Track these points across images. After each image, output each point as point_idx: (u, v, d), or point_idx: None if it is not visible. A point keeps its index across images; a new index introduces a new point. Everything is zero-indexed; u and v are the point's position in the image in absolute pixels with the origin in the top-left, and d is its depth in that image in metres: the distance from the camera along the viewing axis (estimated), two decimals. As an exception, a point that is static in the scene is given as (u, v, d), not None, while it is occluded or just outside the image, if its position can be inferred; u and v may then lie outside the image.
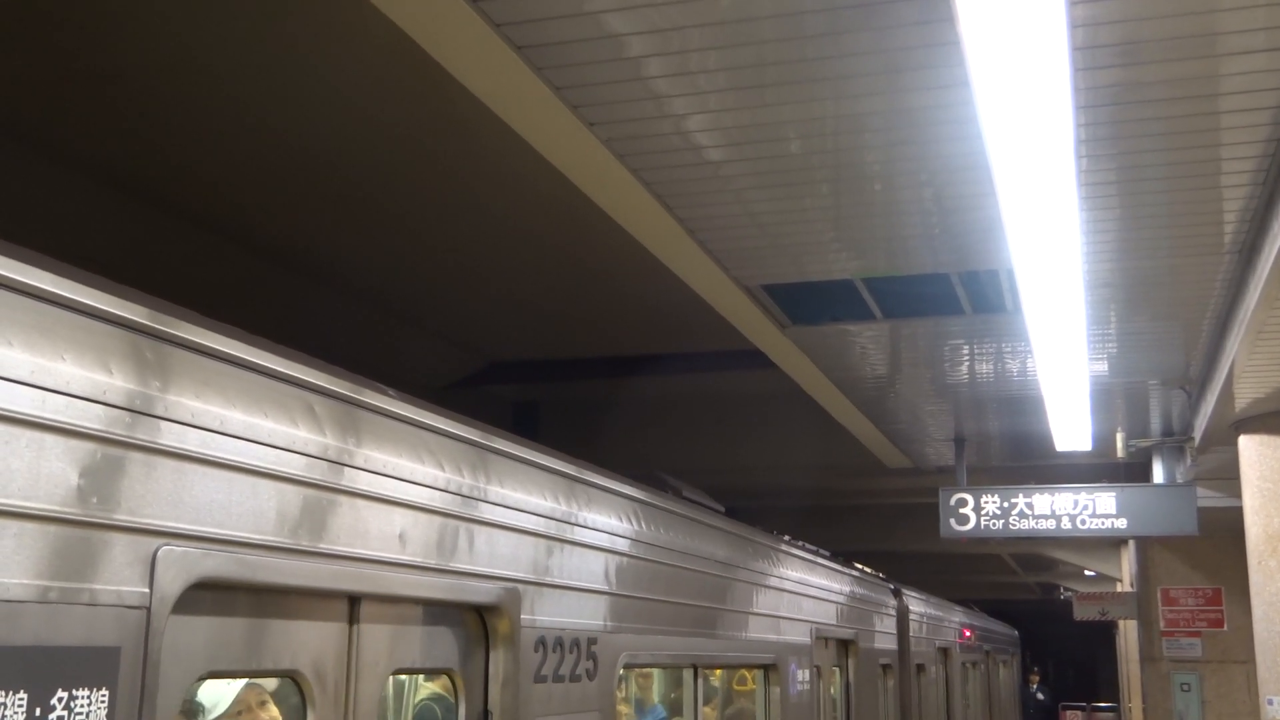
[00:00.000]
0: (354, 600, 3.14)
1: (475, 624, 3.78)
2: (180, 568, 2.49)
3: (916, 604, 12.92)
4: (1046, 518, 11.34)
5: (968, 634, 17.07)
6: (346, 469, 3.07)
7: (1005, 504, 11.44)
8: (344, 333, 11.07)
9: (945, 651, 14.99)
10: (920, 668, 12.93)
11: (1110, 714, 33.38)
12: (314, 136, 7.61)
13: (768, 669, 7.29)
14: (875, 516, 20.87)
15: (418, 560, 3.36)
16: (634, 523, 5.11)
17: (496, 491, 3.88)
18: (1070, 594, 19.59)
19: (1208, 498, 11.56)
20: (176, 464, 2.52)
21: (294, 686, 3.02)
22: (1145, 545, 14.94)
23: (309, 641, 2.96)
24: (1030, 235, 5.63)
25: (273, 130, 7.55)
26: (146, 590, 2.40)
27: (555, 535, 4.28)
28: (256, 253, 9.65)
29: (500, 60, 4.38)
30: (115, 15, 6.28)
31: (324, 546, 2.95)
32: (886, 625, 11.28)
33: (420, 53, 4.50)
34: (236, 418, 2.70)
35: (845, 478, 15.46)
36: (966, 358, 8.91)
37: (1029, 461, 13.61)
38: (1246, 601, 9.54)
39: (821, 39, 4.24)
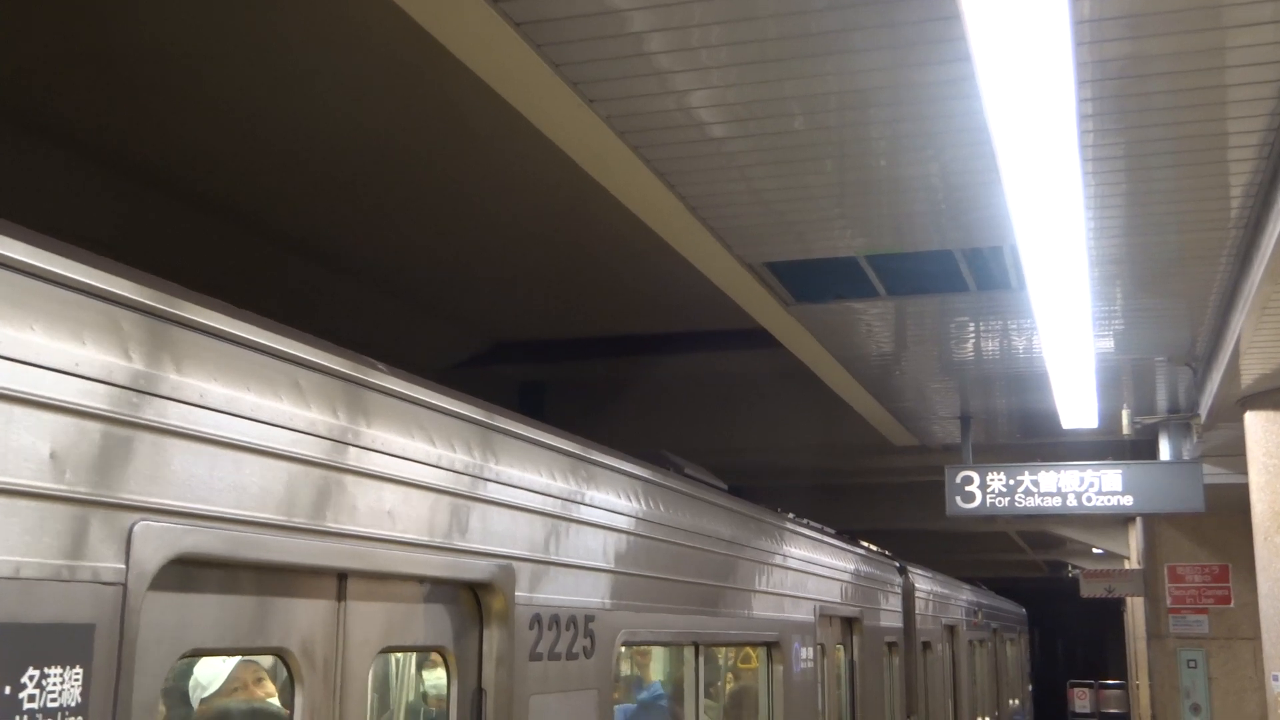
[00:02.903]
0: (342, 577, 3.10)
1: (469, 602, 3.74)
2: (159, 543, 2.44)
3: (922, 581, 12.84)
4: (1052, 495, 11.34)
5: (974, 612, 17.06)
6: (333, 444, 3.02)
7: (1011, 481, 11.44)
8: (351, 315, 11.08)
9: (952, 629, 14.94)
10: (926, 645, 12.84)
11: (1118, 691, 33.45)
12: (319, 120, 7.60)
13: (770, 647, 7.22)
14: (882, 495, 20.90)
15: (408, 537, 3.31)
16: (633, 499, 5.04)
17: (490, 468, 3.82)
18: (1078, 571, 19.61)
19: (1214, 474, 11.55)
20: (155, 438, 2.46)
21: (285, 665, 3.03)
22: (1152, 522, 14.95)
23: (296, 619, 2.92)
24: (1034, 211, 5.61)
25: (278, 114, 7.54)
26: (122, 566, 2.35)
27: (551, 512, 4.22)
28: (263, 236, 9.65)
29: (499, 38, 4.36)
30: (116, -5, 6.27)
31: (310, 522, 2.90)
32: (892, 603, 11.20)
33: (424, 34, 4.48)
34: (219, 391, 2.64)
35: (851, 456, 15.47)
36: (972, 335, 8.90)
37: (1035, 439, 13.59)
38: (1253, 578, 9.54)
39: (824, 13, 4.22)
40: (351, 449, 3.09)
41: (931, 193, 5.94)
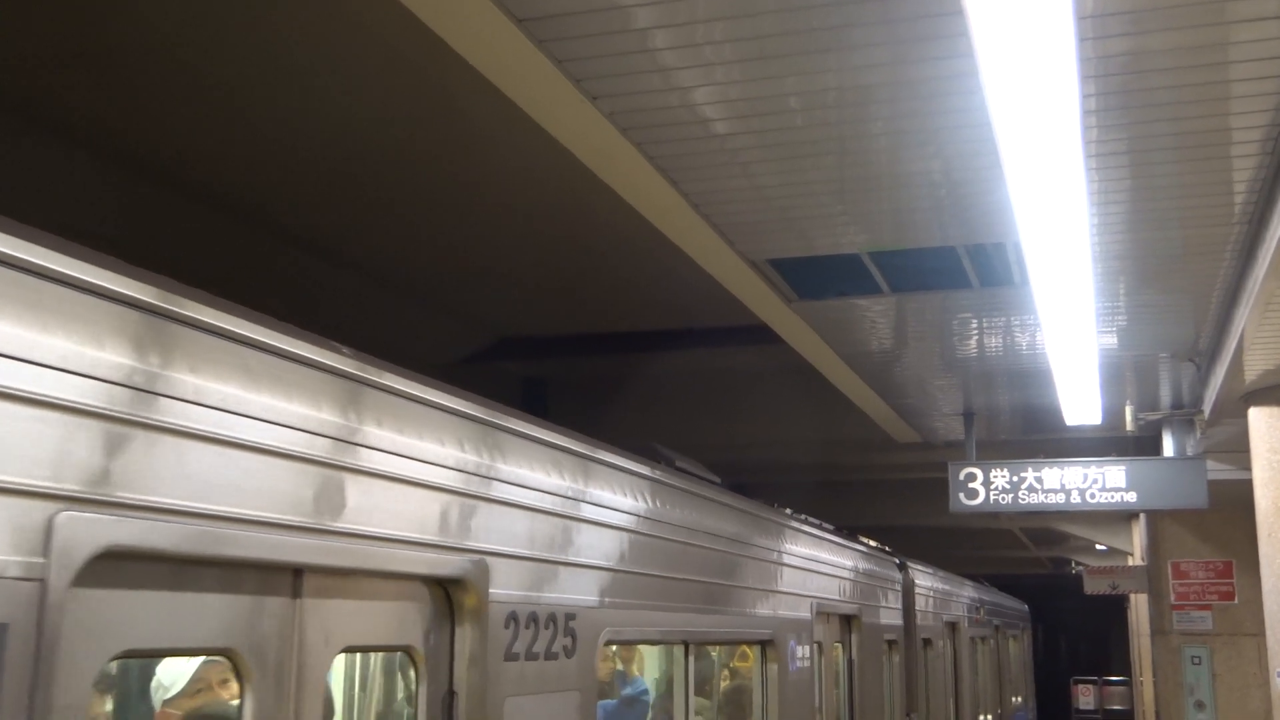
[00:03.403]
0: (297, 572, 2.92)
1: (439, 598, 3.55)
2: (85, 535, 2.24)
3: (923, 578, 12.73)
4: (1056, 492, 11.33)
5: (976, 608, 17.00)
6: (284, 430, 2.82)
7: (1014, 478, 11.44)
8: (353, 310, 11.08)
9: (953, 626, 14.86)
10: (927, 643, 12.73)
11: (1122, 688, 33.45)
12: (321, 114, 7.60)
13: (765, 645, 7.01)
14: (885, 492, 20.89)
15: (370, 530, 3.12)
16: (618, 493, 4.84)
17: (461, 458, 3.61)
18: (1082, 568, 19.61)
19: (1218, 470, 11.54)
20: (77, 421, 2.27)
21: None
22: (1155, 519, 14.93)
23: (244, 616, 2.75)
24: (1037, 207, 5.60)
25: (280, 108, 7.54)
26: (41, 560, 2.16)
27: (529, 505, 4.03)
28: (264, 230, 9.65)
29: (502, 34, 4.36)
30: (119, -8, 6.28)
31: (259, 514, 2.72)
32: (891, 600, 11.07)
33: (426, 28, 4.48)
34: (151, 371, 2.43)
35: (854, 453, 15.47)
36: (975, 332, 8.89)
37: (1038, 435, 13.58)
38: (1257, 574, 9.54)
39: (827, 9, 4.22)
40: (303, 435, 2.89)
41: (934, 189, 5.94)
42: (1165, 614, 14.71)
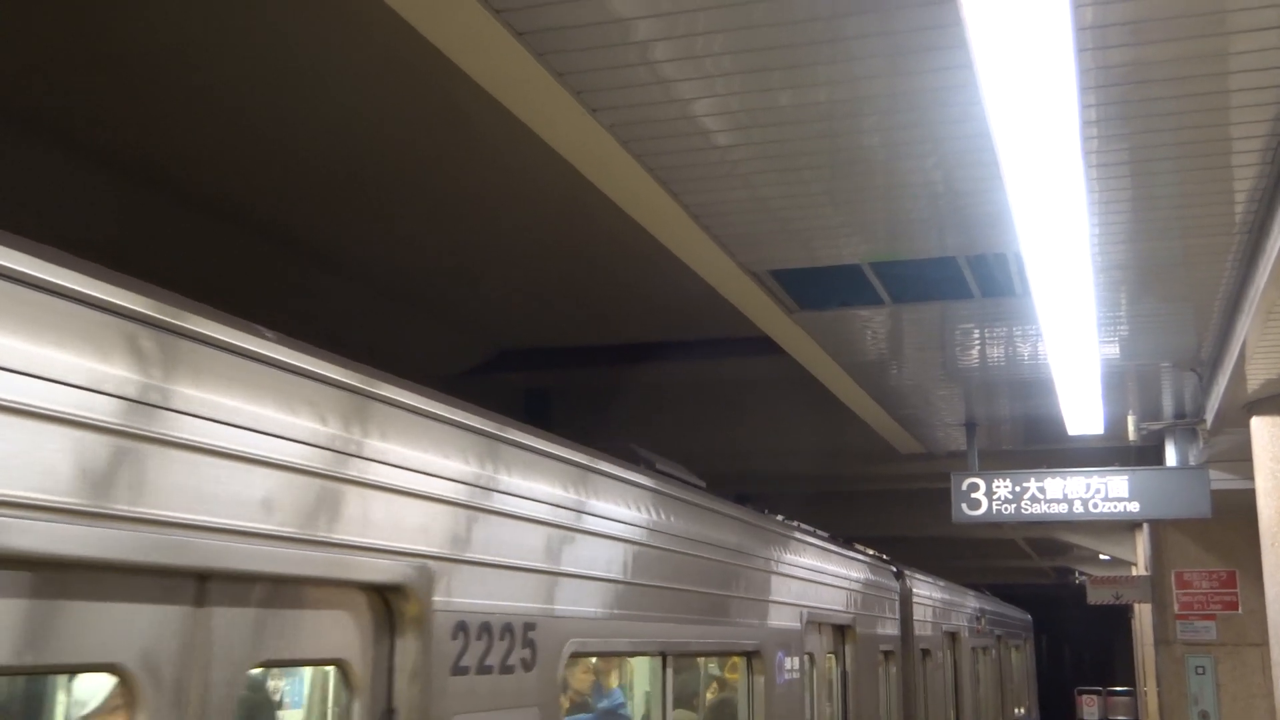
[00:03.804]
0: (202, 578, 2.62)
1: (376, 607, 3.21)
2: None
3: (921, 586, 12.46)
4: (1059, 502, 11.32)
5: (977, 618, 16.85)
6: (184, 418, 2.51)
7: (1017, 488, 11.42)
8: (357, 321, 11.09)
9: (953, 636, 14.65)
10: (926, 653, 12.47)
11: (1126, 698, 33.37)
12: (323, 124, 7.62)
13: (751, 656, 6.64)
14: (887, 502, 20.85)
15: (290, 531, 2.79)
16: (585, 494, 4.49)
17: (400, 453, 3.26)
18: (1085, 578, 19.57)
19: (1220, 480, 11.53)
20: None
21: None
22: (1158, 528, 14.91)
23: (134, 628, 2.46)
24: (1037, 218, 5.61)
25: (282, 117, 7.56)
26: None
27: (481, 505, 3.66)
28: (269, 241, 9.66)
29: (502, 48, 4.37)
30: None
31: (148, 512, 2.42)
32: (888, 609, 10.74)
33: (426, 40, 4.49)
34: (9, 346, 2.16)
35: (856, 463, 15.45)
36: (976, 342, 8.89)
37: (1041, 445, 13.57)
38: (1261, 584, 9.52)
39: (827, 21, 4.23)
40: (206, 423, 2.58)
41: (935, 199, 5.95)
42: (1169, 624, 14.67)
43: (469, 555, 3.57)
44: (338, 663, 3.07)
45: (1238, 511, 12.38)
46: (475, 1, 4.09)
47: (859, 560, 9.92)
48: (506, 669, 3.73)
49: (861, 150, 5.37)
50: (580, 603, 4.33)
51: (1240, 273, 6.95)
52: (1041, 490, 11.36)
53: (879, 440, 13.08)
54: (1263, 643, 13.07)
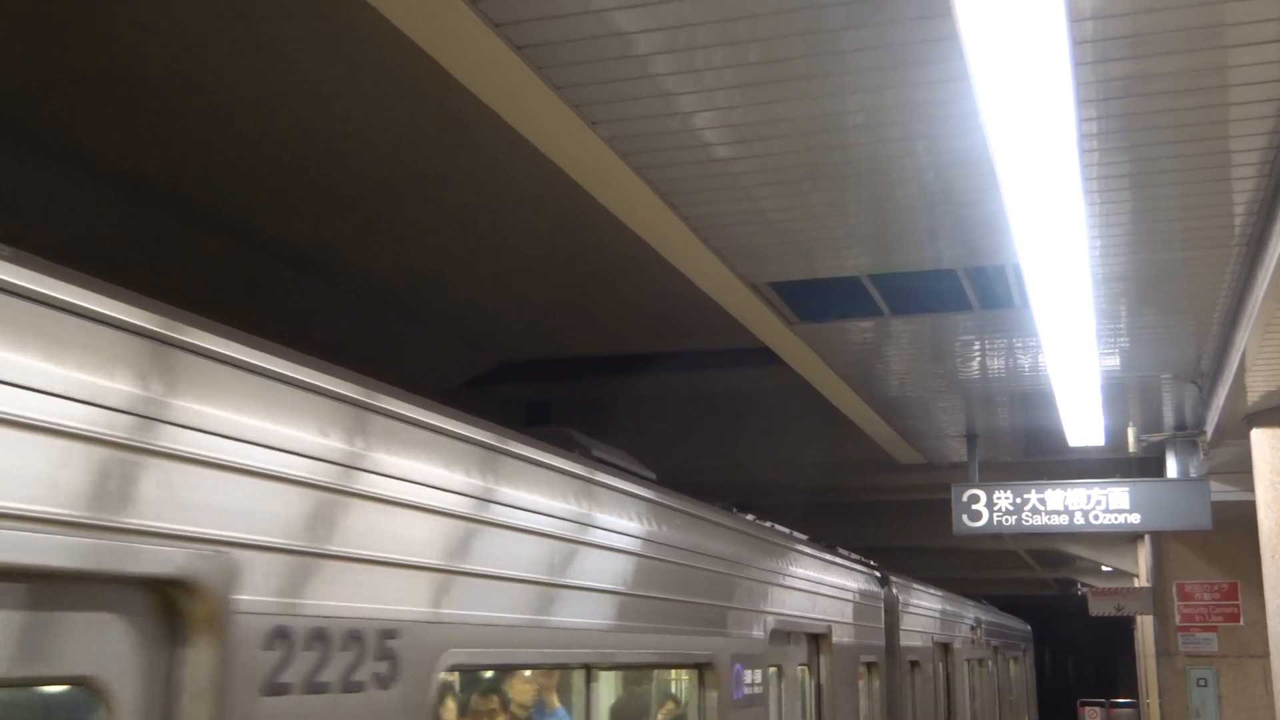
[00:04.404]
0: None
1: (150, 608, 2.50)
2: None
3: (909, 594, 11.63)
4: (1059, 513, 11.32)
5: (972, 628, 16.43)
6: None
7: (1018, 500, 11.42)
8: (357, 333, 11.10)
9: (946, 647, 14.01)
10: (914, 665, 11.63)
11: (1129, 710, 33.28)
12: (323, 137, 7.64)
13: (702, 669, 5.85)
14: (888, 513, 20.86)
15: (18, 508, 2.14)
16: (487, 477, 3.77)
17: (187, 409, 2.51)
18: (1087, 589, 19.54)
19: (1221, 492, 11.53)
20: None
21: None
22: (1160, 540, 14.90)
23: None
24: (1036, 230, 5.62)
25: (282, 131, 7.57)
26: None
27: (321, 482, 2.91)
28: (266, 252, 9.68)
29: (501, 61, 4.38)
30: (119, 15, 6.31)
31: None
32: (871, 618, 10.01)
33: (426, 54, 4.51)
34: None
35: (858, 474, 15.45)
36: (976, 353, 8.89)
37: (1041, 457, 13.58)
38: (1262, 595, 9.50)
39: (827, 35, 4.24)
40: None
41: (934, 211, 5.96)
42: (1170, 635, 14.65)
43: (294, 543, 2.81)
44: (84, 681, 2.35)
45: (1239, 523, 12.37)
46: (475, 16, 4.10)
47: (837, 564, 9.25)
48: (351, 687, 2.98)
49: (861, 162, 5.38)
50: (467, 605, 3.57)
51: (1239, 285, 6.96)
52: (1042, 501, 11.36)
53: (879, 451, 13.08)
54: (1264, 654, 13.04)
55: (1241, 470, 10.33)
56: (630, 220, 6.17)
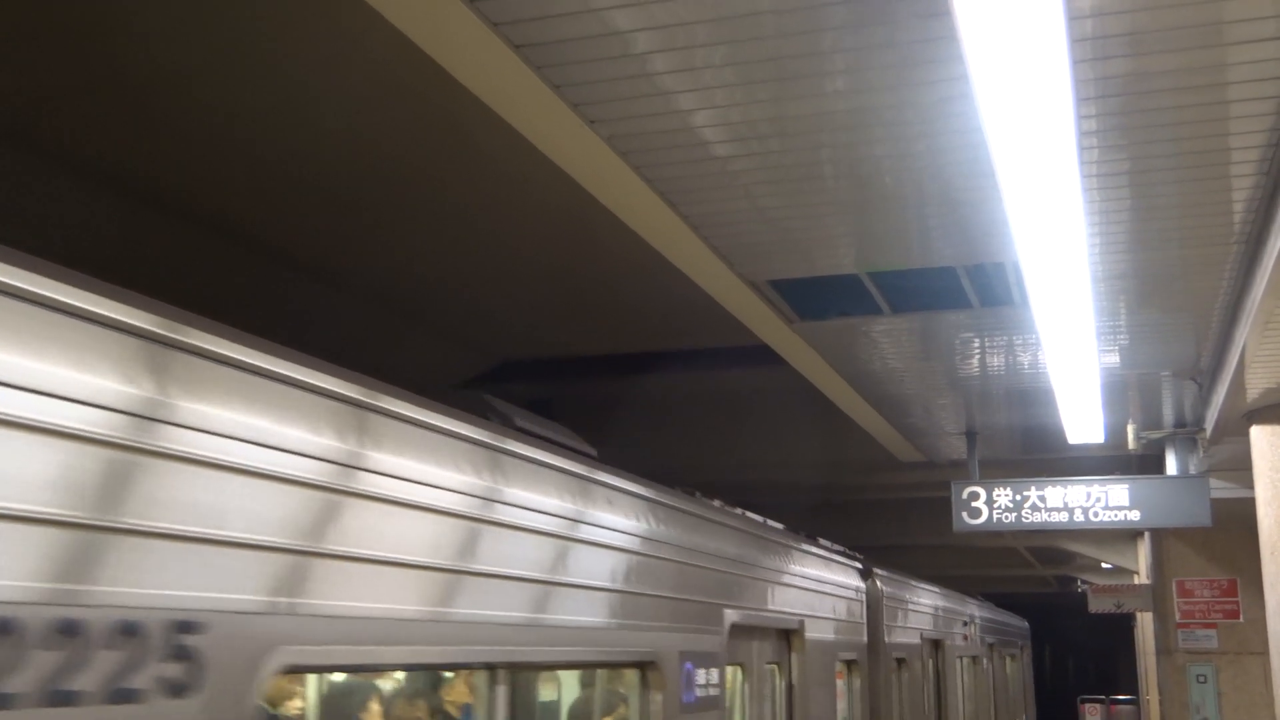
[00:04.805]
0: None
1: None
2: None
3: (894, 587, 10.99)
4: (1059, 510, 11.32)
5: (965, 624, 16.00)
6: None
7: (1018, 497, 11.43)
8: (359, 333, 11.11)
9: (937, 644, 13.45)
10: (901, 663, 11.07)
11: (1129, 707, 33.29)
12: (323, 140, 7.64)
13: (645, 669, 5.23)
14: (889, 511, 20.87)
15: None
16: (356, 441, 3.15)
17: None
18: (1087, 586, 19.54)
19: (1221, 489, 11.53)
20: None
21: None
22: (1160, 537, 14.91)
23: None
24: (1036, 228, 5.62)
25: (282, 135, 7.58)
26: None
27: (83, 431, 2.29)
28: (266, 255, 9.68)
29: (499, 61, 4.39)
30: (119, 21, 6.32)
31: None
32: (851, 612, 9.43)
33: (425, 55, 4.51)
34: None
35: (858, 472, 15.47)
36: (977, 351, 8.90)
37: (1041, 454, 13.58)
38: (1261, 593, 9.51)
39: (826, 33, 4.25)
40: None
41: (933, 209, 5.96)
42: (1170, 632, 14.67)
43: (30, 507, 2.17)
44: None
45: (1239, 520, 12.38)
46: (473, 16, 4.10)
47: (812, 554, 8.59)
48: (122, 697, 2.34)
49: (860, 161, 5.39)
50: (310, 593, 2.92)
51: (1238, 283, 6.97)
52: (1042, 499, 11.37)
53: (880, 449, 13.09)
54: (1264, 651, 13.06)
55: (1241, 467, 10.34)
56: (630, 219, 6.18)
